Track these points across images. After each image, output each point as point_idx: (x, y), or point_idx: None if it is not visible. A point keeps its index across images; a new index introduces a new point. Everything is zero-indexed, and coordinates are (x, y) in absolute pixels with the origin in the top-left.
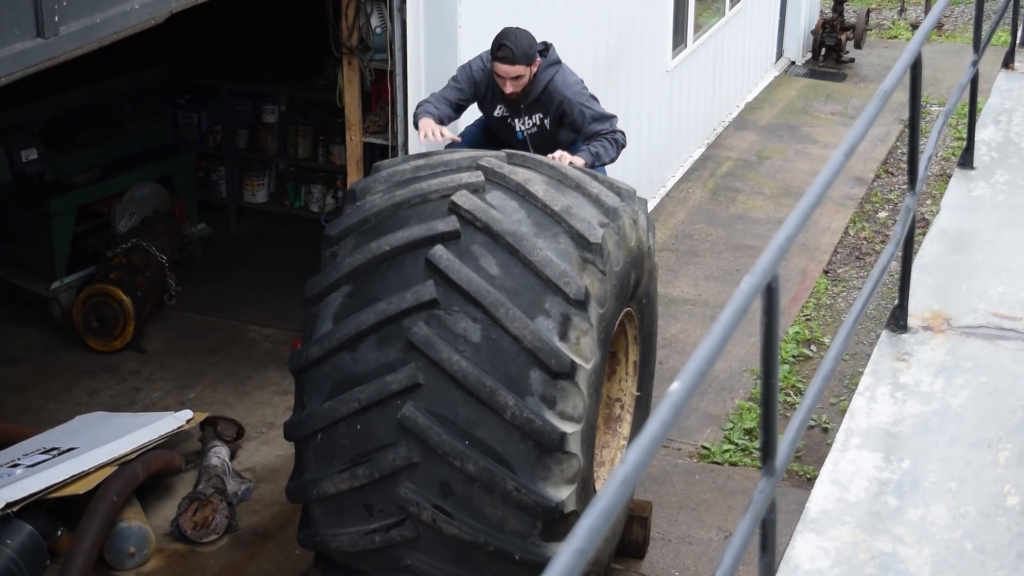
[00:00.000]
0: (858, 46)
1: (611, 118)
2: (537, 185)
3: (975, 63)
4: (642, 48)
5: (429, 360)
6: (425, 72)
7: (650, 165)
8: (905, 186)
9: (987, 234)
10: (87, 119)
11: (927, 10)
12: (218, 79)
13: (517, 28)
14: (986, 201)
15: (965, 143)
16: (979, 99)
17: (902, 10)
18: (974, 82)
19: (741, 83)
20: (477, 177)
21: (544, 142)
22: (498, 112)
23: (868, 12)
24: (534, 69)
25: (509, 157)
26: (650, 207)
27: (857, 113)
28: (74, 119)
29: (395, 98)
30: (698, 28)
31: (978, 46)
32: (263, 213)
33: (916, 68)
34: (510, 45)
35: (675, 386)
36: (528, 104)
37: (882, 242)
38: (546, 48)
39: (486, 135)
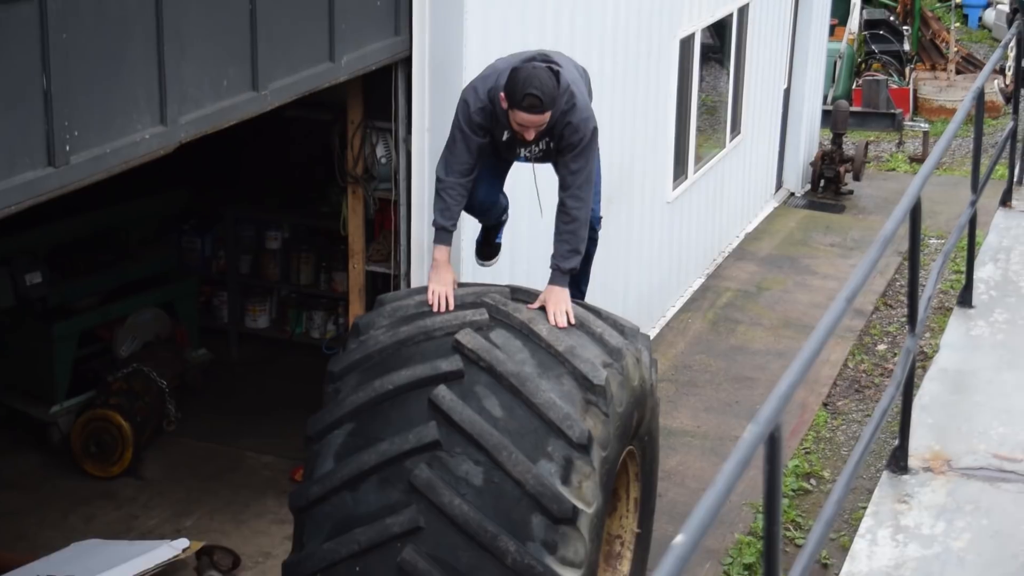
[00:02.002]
0: (857, 178)
1: (588, 178)
2: (541, 324)
3: (973, 203)
4: (643, 179)
5: (431, 503)
6: (429, 203)
7: (650, 295)
8: (904, 319)
9: (987, 374)
10: (92, 244)
11: (924, 143)
12: (222, 205)
13: (534, 66)
14: (985, 340)
15: (964, 281)
16: (978, 233)
17: (900, 143)
18: (972, 221)
19: (741, 214)
20: (481, 315)
21: (546, 159)
22: (505, 137)
23: (867, 145)
24: None
25: (513, 292)
26: (650, 336)
27: (856, 245)
28: (79, 244)
29: (399, 227)
30: (699, 159)
31: (976, 186)
32: (264, 339)
33: (916, 212)
34: (538, 94)
35: (679, 539)
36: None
37: (881, 375)
38: (557, 74)
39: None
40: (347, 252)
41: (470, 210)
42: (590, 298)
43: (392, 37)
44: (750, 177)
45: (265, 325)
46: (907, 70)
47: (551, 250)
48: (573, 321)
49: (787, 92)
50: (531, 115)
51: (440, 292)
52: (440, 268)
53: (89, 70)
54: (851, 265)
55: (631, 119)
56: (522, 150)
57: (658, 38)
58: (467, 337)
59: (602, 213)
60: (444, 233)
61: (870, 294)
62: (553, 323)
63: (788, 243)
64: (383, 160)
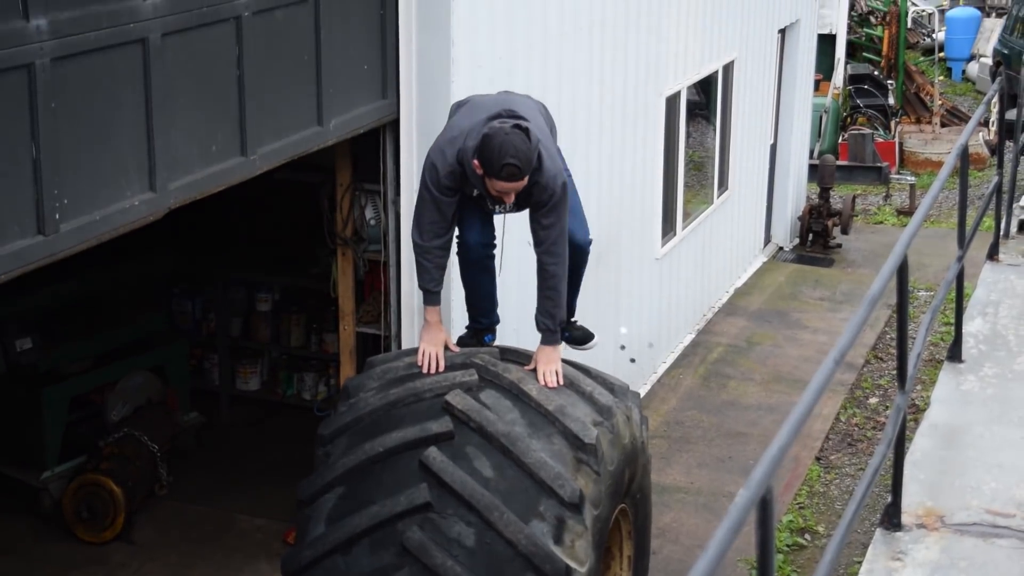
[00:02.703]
0: (845, 232)
1: (561, 233)
2: (531, 384)
3: (960, 258)
4: (631, 236)
5: (423, 565)
6: None
7: (641, 351)
8: (895, 371)
9: (978, 428)
10: (82, 308)
11: (911, 196)
12: (213, 268)
13: (506, 132)
14: (976, 395)
15: (953, 335)
16: (966, 286)
17: (887, 196)
18: (960, 277)
19: (730, 269)
20: (471, 376)
21: (520, 209)
22: (475, 194)
23: (854, 198)
24: None
25: (503, 353)
26: (641, 393)
27: (845, 298)
28: (69, 308)
29: (388, 288)
30: (687, 216)
31: (962, 241)
32: (256, 401)
33: (903, 271)
34: (516, 163)
35: None
36: None
37: (873, 428)
38: (527, 131)
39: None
40: (337, 313)
41: (467, 272)
42: (578, 356)
43: (380, 100)
44: (739, 232)
45: (256, 387)
46: (892, 124)
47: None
48: (562, 381)
49: (774, 147)
50: (511, 183)
51: (431, 352)
52: (431, 328)
53: (78, 138)
54: (841, 319)
55: (618, 177)
56: (496, 206)
57: (644, 96)
58: (457, 398)
59: (591, 236)
60: (432, 295)
61: (861, 347)
62: (543, 383)
63: (778, 297)
64: (372, 222)
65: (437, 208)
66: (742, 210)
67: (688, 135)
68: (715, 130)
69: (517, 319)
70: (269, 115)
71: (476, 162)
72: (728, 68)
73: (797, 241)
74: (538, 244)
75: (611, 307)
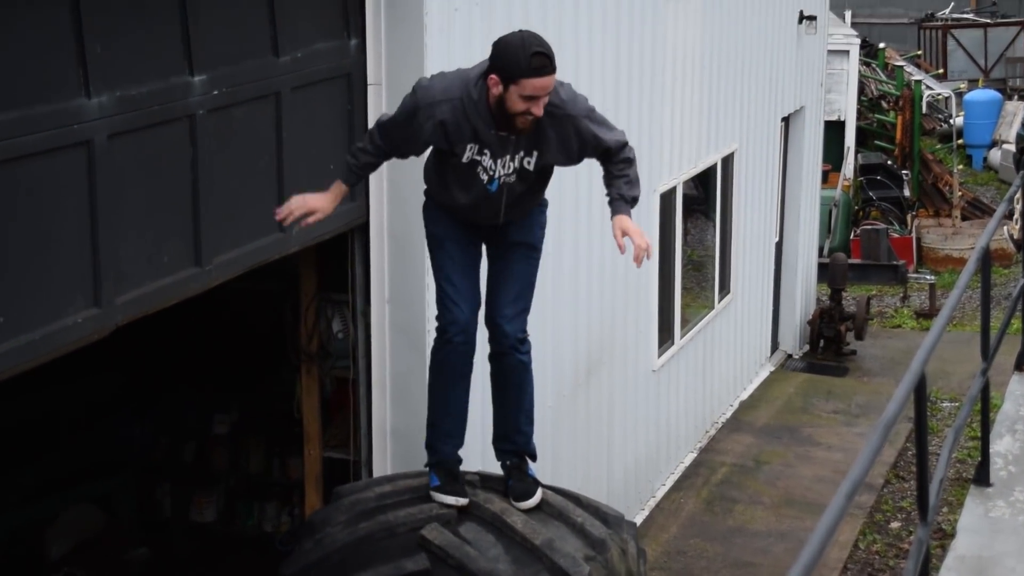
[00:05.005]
0: (859, 337)
1: (617, 131)
2: (515, 516)
3: (984, 371)
4: (625, 347)
5: None
6: (391, 381)
7: (637, 474)
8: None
9: (1009, 560)
10: (16, 434)
11: (931, 297)
12: (163, 387)
13: (520, 31)
14: (1006, 523)
15: (980, 455)
16: (993, 395)
17: (905, 297)
18: (985, 391)
19: (734, 380)
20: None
21: (518, 190)
22: (469, 156)
23: (868, 300)
24: None
25: (483, 480)
26: (638, 520)
27: (862, 411)
28: (3, 435)
29: (358, 409)
30: (686, 322)
31: (987, 353)
32: (212, 533)
33: (921, 389)
34: (545, 51)
35: None
36: (525, 136)
37: (896, 556)
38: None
39: (443, 183)
40: (302, 436)
41: (440, 378)
42: (569, 480)
43: (347, 203)
44: (743, 339)
45: (212, 518)
46: (908, 217)
47: None
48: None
49: (779, 245)
50: (544, 78)
51: (298, 204)
52: (327, 190)
53: (18, 252)
54: (857, 434)
55: (609, 282)
56: (496, 165)
57: None
58: (434, 532)
59: (580, 382)
60: (344, 173)
61: (880, 465)
62: (642, 245)
63: (787, 411)
64: (340, 335)
65: (395, 128)
66: (746, 315)
67: (686, 233)
68: (715, 227)
69: (482, 438)
70: (226, 222)
71: (494, 77)
72: (728, 160)
73: (807, 348)
74: (605, 156)
75: (603, 425)
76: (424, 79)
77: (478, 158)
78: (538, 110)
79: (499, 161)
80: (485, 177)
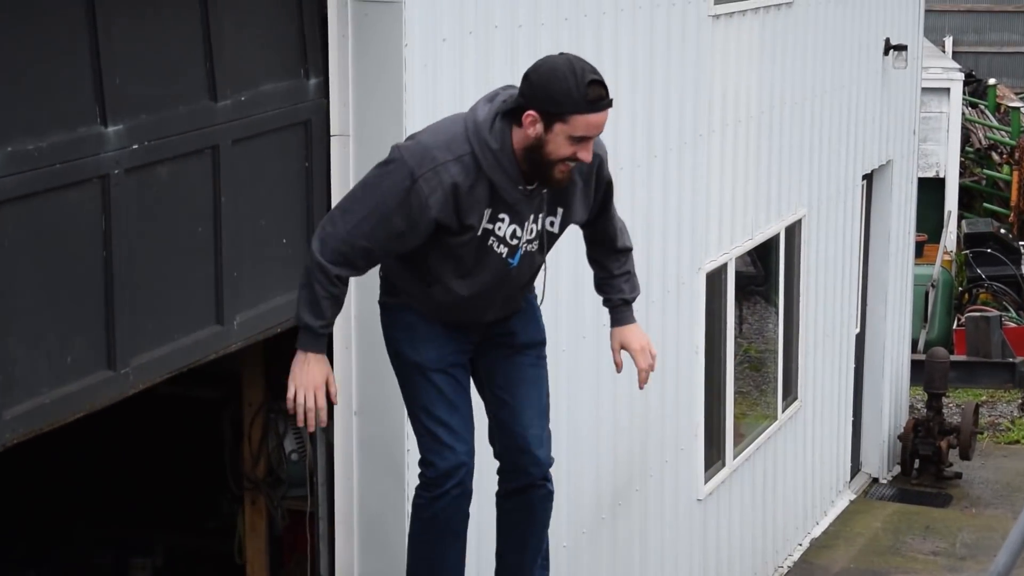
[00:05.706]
0: (965, 456)
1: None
2: None
3: None
4: (663, 470)
5: None
6: (360, 515)
7: None
8: None
9: None
10: None
11: None
12: (68, 522)
13: (561, 54)
14: None
15: None
16: None
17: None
18: None
19: (804, 512)
20: None
21: (537, 263)
22: (482, 226)
23: (976, 408)
24: None
25: None
26: None
27: (969, 552)
28: None
29: (317, 549)
30: (740, 438)
31: None
32: None
33: None
34: (602, 80)
35: None
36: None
37: None
38: None
39: (429, 278)
40: None
41: (427, 535)
42: None
43: None
44: (814, 459)
45: None
46: None
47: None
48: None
49: (860, 338)
50: (600, 114)
51: (307, 393)
52: (308, 361)
53: None
54: None
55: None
56: (520, 233)
57: (675, 271)
58: None
59: (604, 515)
60: (312, 337)
61: None
62: (645, 368)
63: (872, 552)
64: (294, 456)
65: (383, 224)
66: (818, 427)
67: (740, 322)
68: (777, 315)
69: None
70: (148, 312)
71: (533, 112)
72: (793, 229)
73: (898, 470)
74: (612, 241)
75: (635, 565)
76: (403, 143)
77: (490, 226)
78: (586, 155)
79: (524, 226)
80: (504, 250)
